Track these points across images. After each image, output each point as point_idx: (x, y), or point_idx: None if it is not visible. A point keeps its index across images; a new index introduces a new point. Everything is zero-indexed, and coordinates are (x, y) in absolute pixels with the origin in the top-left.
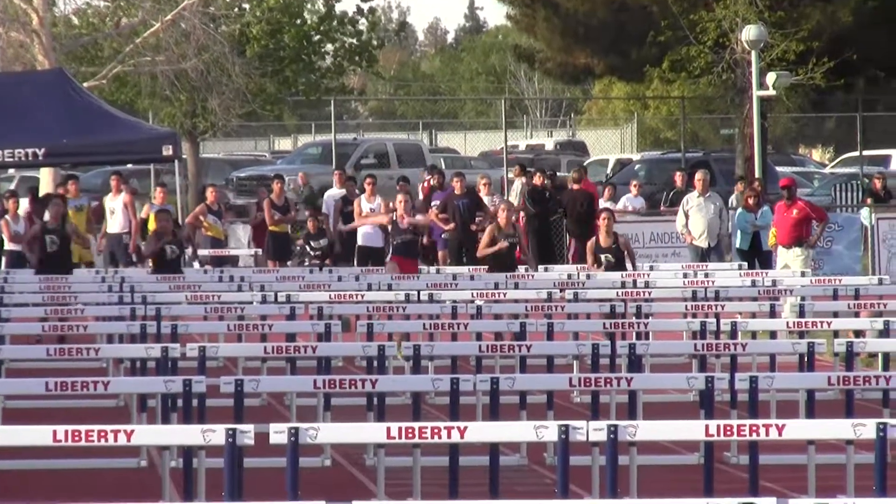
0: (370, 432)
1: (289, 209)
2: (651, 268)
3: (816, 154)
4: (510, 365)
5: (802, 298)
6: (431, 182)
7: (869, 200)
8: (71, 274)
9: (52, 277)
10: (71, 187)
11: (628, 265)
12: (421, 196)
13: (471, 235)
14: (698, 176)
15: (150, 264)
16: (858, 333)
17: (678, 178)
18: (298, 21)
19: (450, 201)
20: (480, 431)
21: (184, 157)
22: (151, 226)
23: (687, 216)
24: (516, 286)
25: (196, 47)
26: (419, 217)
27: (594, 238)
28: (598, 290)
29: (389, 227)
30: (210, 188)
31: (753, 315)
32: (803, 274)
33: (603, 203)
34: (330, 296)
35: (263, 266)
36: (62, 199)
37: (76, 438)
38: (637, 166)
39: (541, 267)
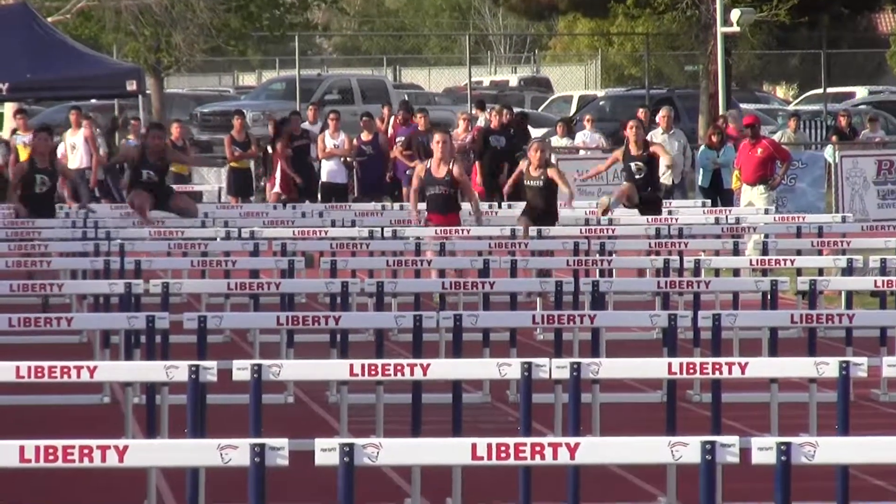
0: (333, 369)
1: (250, 145)
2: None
3: (780, 91)
4: (473, 302)
5: (766, 236)
6: (399, 118)
7: (834, 138)
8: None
9: (10, 210)
10: (19, 122)
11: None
12: (391, 132)
13: None
14: (662, 112)
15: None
16: (822, 271)
17: (640, 114)
18: None
19: (414, 138)
20: (443, 369)
21: (148, 92)
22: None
23: None
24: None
25: None
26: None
27: (622, 148)
28: (562, 227)
29: (422, 175)
30: (174, 124)
31: (717, 253)
32: (767, 211)
33: (557, 140)
34: (293, 232)
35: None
36: (49, 131)
37: (39, 374)
38: (602, 102)
39: (504, 203)
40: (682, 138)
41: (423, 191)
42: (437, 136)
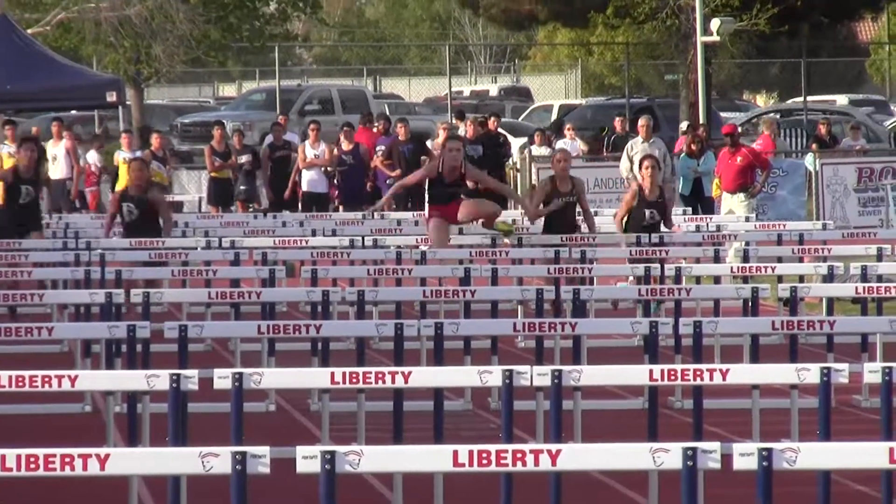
0: (314, 377)
1: (230, 155)
2: (595, 213)
3: (760, 100)
4: (454, 310)
5: (747, 243)
6: (380, 128)
7: (814, 146)
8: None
9: None
10: (8, 132)
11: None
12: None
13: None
14: (642, 122)
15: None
16: (802, 278)
17: (617, 123)
18: None
19: (395, 147)
20: (424, 376)
21: (128, 103)
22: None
23: (631, 161)
24: (461, 231)
25: None
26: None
27: (632, 192)
28: (543, 235)
29: (431, 179)
30: (154, 134)
31: (698, 260)
32: (747, 219)
33: (536, 149)
34: (274, 241)
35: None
36: (35, 142)
37: (20, 384)
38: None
39: None
40: (661, 147)
41: (428, 190)
42: (450, 144)
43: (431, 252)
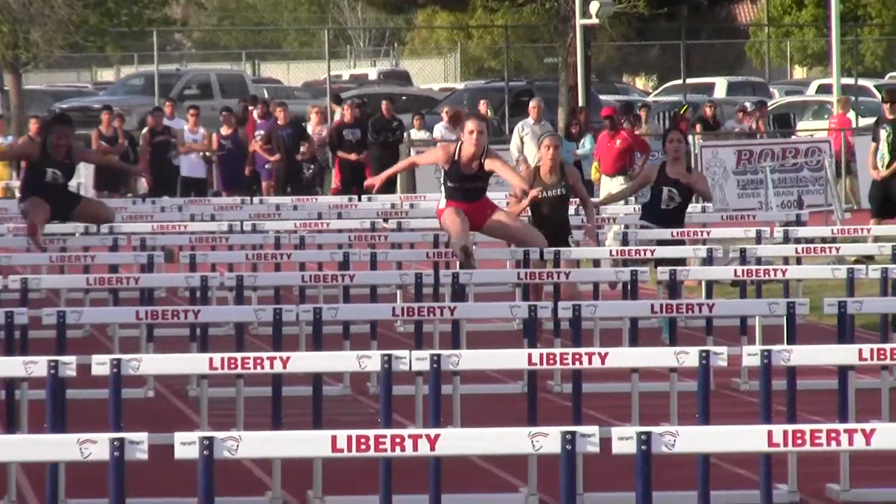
0: (192, 363)
1: (117, 139)
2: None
3: (640, 82)
4: (333, 295)
5: (626, 227)
6: (258, 112)
7: (698, 127)
8: None
9: None
10: None
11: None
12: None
13: (295, 165)
14: (533, 104)
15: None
16: (682, 261)
17: (482, 107)
18: None
19: (274, 132)
20: (303, 362)
21: (6, 88)
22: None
23: (522, 142)
24: (339, 216)
25: None
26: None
27: (657, 167)
28: (422, 219)
29: (445, 168)
30: (32, 119)
31: (577, 243)
32: (626, 202)
33: (415, 133)
34: (153, 227)
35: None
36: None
37: None
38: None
39: (364, 196)
40: (550, 129)
41: (444, 182)
42: (470, 125)
43: (458, 245)
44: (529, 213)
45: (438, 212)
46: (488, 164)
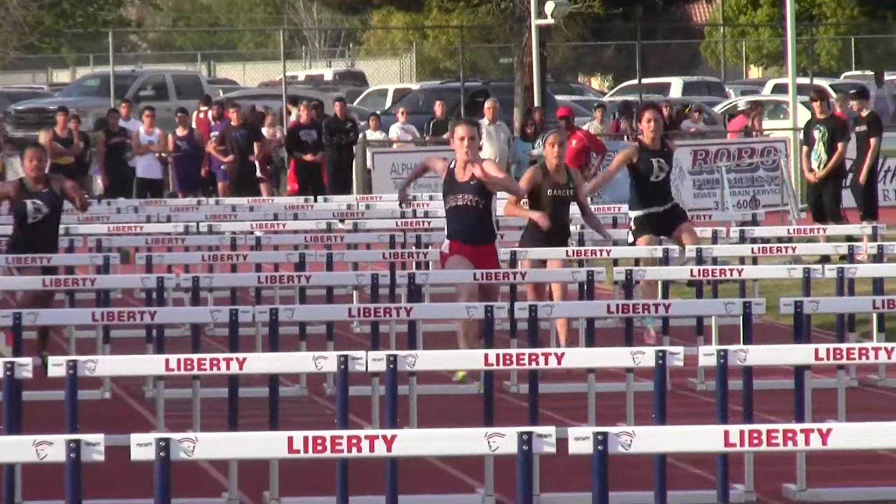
0: (149, 364)
1: (72, 141)
2: (430, 197)
3: (595, 82)
4: (290, 296)
5: (582, 227)
6: (210, 113)
7: None
8: None
9: None
10: None
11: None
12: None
13: (249, 166)
14: (488, 104)
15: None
16: (638, 261)
17: (437, 108)
18: None
19: (227, 133)
20: (260, 363)
21: None
22: None
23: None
24: (296, 217)
25: None
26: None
27: (636, 146)
28: (378, 220)
29: (443, 179)
30: None
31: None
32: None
33: (371, 133)
34: (109, 228)
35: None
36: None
37: None
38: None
39: (320, 197)
40: (506, 130)
41: (444, 203)
42: (460, 131)
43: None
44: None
45: (442, 257)
46: (478, 172)
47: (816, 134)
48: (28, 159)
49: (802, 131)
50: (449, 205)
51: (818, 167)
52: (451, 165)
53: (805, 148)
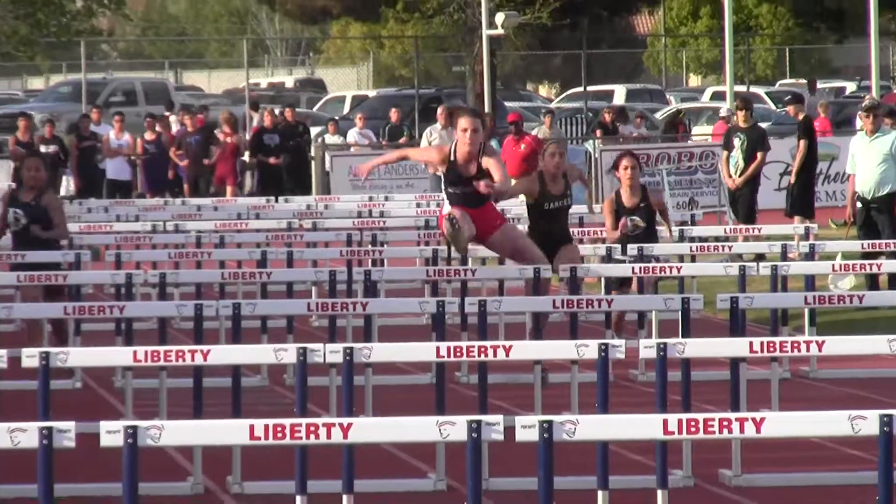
0: (118, 356)
1: (32, 146)
2: (386, 198)
3: (543, 90)
4: (252, 291)
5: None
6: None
7: (599, 132)
8: None
9: None
10: None
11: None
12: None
13: (203, 170)
14: (441, 110)
15: None
16: (583, 259)
17: (393, 114)
18: None
19: (183, 138)
20: (223, 354)
21: None
22: None
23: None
24: (257, 216)
25: None
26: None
27: (612, 195)
28: (336, 219)
29: (443, 171)
30: None
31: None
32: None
33: (329, 138)
34: (80, 227)
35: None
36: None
37: None
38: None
39: (281, 198)
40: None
41: (445, 187)
42: (462, 122)
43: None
44: (529, 224)
45: (440, 218)
46: (485, 163)
47: (736, 141)
48: (26, 168)
49: (723, 137)
50: (452, 191)
51: (735, 174)
52: (452, 157)
53: (725, 153)
